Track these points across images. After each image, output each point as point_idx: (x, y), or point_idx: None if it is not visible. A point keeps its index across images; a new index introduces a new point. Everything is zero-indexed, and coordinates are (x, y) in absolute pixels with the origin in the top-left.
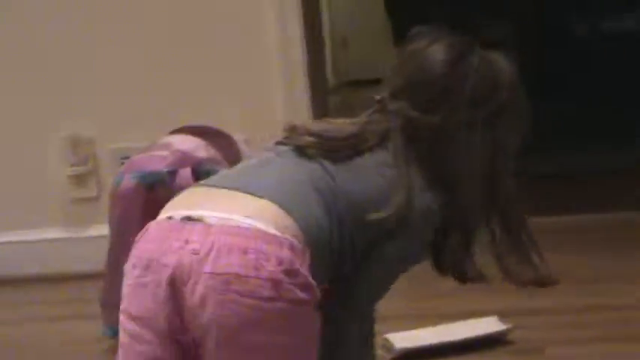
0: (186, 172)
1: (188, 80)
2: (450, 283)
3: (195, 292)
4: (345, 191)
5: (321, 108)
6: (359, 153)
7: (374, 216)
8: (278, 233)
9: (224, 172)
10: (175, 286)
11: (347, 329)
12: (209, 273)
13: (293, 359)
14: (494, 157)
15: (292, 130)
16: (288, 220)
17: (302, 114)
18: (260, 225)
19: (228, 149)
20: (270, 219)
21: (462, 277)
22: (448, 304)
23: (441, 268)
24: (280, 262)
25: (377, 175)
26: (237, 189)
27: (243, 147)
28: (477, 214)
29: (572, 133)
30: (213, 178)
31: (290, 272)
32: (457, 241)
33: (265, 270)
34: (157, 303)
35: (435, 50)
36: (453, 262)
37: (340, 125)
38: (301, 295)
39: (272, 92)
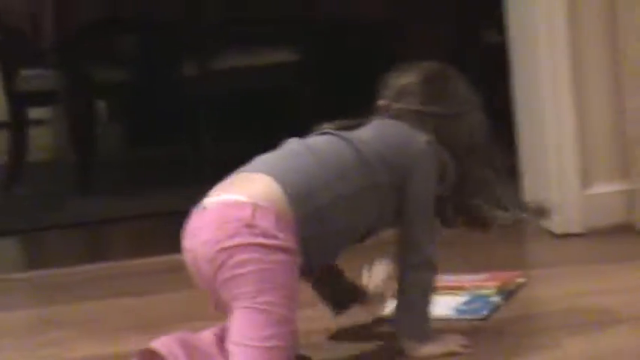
0: None
1: None
2: None
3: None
4: (361, 141)
5: None
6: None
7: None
8: (244, 199)
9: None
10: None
11: (409, 276)
12: (197, 246)
13: (264, 283)
14: (481, 136)
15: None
16: (272, 186)
17: None
18: (235, 197)
19: None
20: (252, 192)
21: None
22: None
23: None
24: (240, 219)
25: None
26: (252, 171)
27: None
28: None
29: None
30: (249, 164)
31: (249, 225)
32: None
33: (228, 228)
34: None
35: (425, 65)
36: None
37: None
38: (259, 239)
39: None
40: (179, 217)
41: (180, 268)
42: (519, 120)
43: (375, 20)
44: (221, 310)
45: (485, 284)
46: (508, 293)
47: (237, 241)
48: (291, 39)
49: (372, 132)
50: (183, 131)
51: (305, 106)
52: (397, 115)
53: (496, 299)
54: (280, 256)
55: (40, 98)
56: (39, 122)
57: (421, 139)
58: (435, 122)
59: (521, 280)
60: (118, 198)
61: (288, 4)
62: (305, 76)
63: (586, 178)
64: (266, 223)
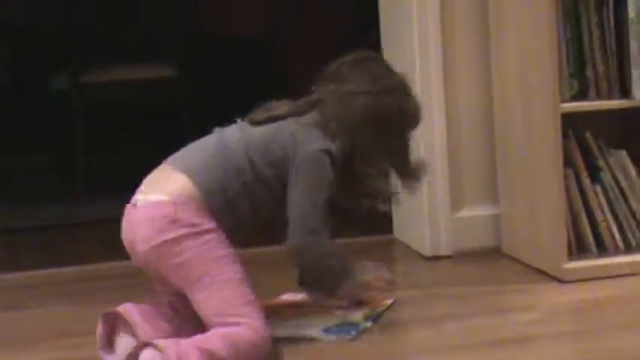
0: None
1: None
2: None
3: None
4: (251, 139)
5: None
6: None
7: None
8: (166, 198)
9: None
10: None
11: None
12: (137, 241)
13: (205, 262)
14: (385, 120)
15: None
16: (189, 185)
17: None
18: (158, 197)
19: None
20: (171, 189)
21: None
22: None
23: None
24: (164, 217)
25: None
26: (172, 168)
27: None
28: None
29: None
30: (173, 156)
31: (175, 220)
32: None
33: (157, 225)
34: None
35: (352, 53)
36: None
37: (282, 106)
38: (184, 230)
39: None
40: (48, 231)
41: (53, 283)
42: None
43: (253, 38)
44: (164, 286)
45: (354, 310)
46: (376, 317)
47: (168, 236)
48: (169, 54)
49: (266, 134)
50: (56, 144)
51: (181, 121)
52: (320, 99)
53: (364, 325)
54: (207, 236)
55: None
56: None
57: (312, 146)
58: (351, 98)
59: (388, 302)
60: None
61: (165, 19)
62: (181, 91)
63: (456, 201)
64: (187, 214)
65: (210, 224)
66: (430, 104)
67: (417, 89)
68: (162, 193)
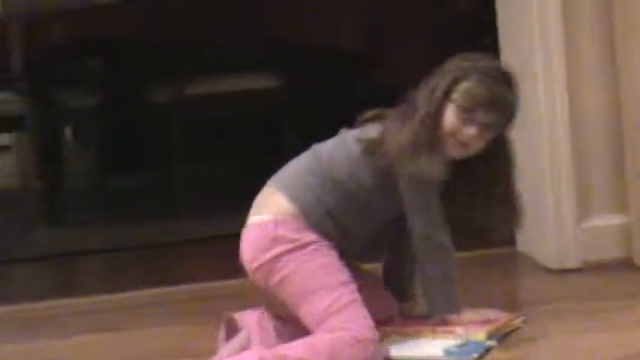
0: None
1: None
2: None
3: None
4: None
5: None
6: None
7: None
8: (267, 218)
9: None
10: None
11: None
12: (245, 263)
13: (302, 281)
14: None
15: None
16: (287, 204)
17: None
18: (262, 217)
19: None
20: (271, 209)
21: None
22: None
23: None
24: (265, 236)
25: None
26: (272, 188)
27: None
28: None
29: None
30: (274, 175)
31: (275, 238)
32: None
33: (258, 245)
34: None
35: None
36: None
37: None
38: (283, 247)
39: None
40: (152, 250)
41: (157, 304)
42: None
43: (353, 48)
44: (274, 310)
45: (477, 330)
46: (501, 337)
47: (269, 255)
48: (268, 65)
49: None
50: (156, 159)
51: (282, 133)
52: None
53: (489, 344)
54: (307, 249)
55: (5, 124)
56: (3, 148)
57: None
58: None
59: (519, 321)
60: (88, 229)
61: (263, 30)
62: (281, 103)
63: (583, 210)
64: (286, 231)
65: (310, 237)
66: (554, 109)
67: (540, 94)
68: (264, 213)
